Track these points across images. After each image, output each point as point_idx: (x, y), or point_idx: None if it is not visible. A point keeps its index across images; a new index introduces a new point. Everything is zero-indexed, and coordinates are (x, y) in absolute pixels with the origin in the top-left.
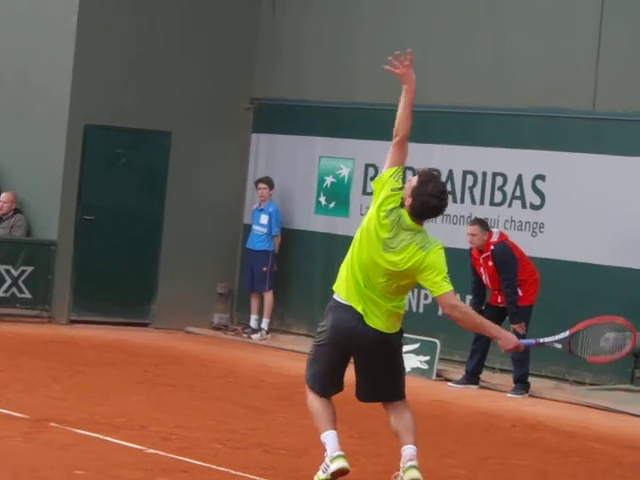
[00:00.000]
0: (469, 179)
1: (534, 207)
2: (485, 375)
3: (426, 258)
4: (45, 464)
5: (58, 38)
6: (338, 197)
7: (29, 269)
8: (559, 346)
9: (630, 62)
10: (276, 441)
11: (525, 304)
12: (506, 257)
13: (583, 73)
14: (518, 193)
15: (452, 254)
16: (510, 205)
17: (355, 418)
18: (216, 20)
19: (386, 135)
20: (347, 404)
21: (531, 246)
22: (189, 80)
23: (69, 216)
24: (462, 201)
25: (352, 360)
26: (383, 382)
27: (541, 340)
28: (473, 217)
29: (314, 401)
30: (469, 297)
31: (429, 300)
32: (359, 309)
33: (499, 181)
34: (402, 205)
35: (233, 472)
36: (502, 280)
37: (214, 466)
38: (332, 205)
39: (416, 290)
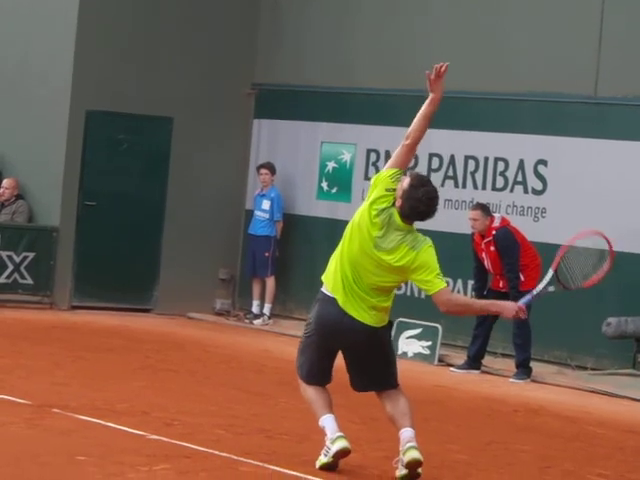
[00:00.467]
0: (471, 164)
1: (536, 192)
2: (487, 360)
3: (417, 257)
4: (47, 450)
5: (59, 24)
6: (340, 182)
7: (31, 255)
8: (552, 289)
9: (632, 47)
10: (278, 426)
11: (527, 289)
12: (508, 242)
13: (585, 58)
14: (520, 178)
15: (454, 239)
16: (512, 190)
17: (356, 404)
18: (218, 5)
19: (388, 120)
20: (348, 390)
21: (533, 231)
22: (191, 66)
23: (71, 202)
24: (464, 186)
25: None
26: (373, 373)
27: (535, 292)
28: (475, 202)
29: (307, 389)
30: (471, 282)
31: None
32: (345, 302)
33: (501, 166)
34: (394, 204)
35: (235, 457)
36: (504, 265)
37: (216, 452)
38: (334, 190)
39: None
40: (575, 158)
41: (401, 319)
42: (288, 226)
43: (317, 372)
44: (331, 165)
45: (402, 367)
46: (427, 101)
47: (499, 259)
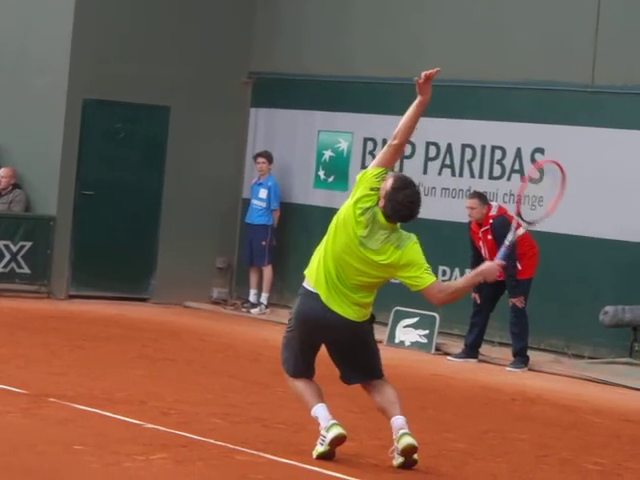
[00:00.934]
0: (468, 152)
1: (533, 180)
2: (484, 349)
3: (403, 255)
4: (44, 439)
5: (56, 12)
6: (337, 171)
7: (28, 244)
8: (522, 231)
9: (629, 35)
10: (275, 415)
11: (524, 277)
12: (505, 230)
13: (582, 46)
14: (517, 166)
15: (451, 227)
16: (509, 179)
17: (354, 393)
18: None
19: (385, 109)
20: None
21: (530, 220)
22: (188, 54)
23: (68, 191)
24: (461, 175)
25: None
26: (357, 366)
27: (507, 242)
28: (472, 190)
29: (295, 383)
30: (468, 271)
31: None
32: (328, 298)
33: (498, 154)
34: (378, 204)
35: (232, 446)
36: None
37: (213, 440)
38: (331, 179)
39: None
40: (572, 146)
41: (398, 308)
42: (285, 215)
43: (303, 366)
44: (328, 154)
45: (399, 356)
46: (415, 102)
47: (496, 247)
